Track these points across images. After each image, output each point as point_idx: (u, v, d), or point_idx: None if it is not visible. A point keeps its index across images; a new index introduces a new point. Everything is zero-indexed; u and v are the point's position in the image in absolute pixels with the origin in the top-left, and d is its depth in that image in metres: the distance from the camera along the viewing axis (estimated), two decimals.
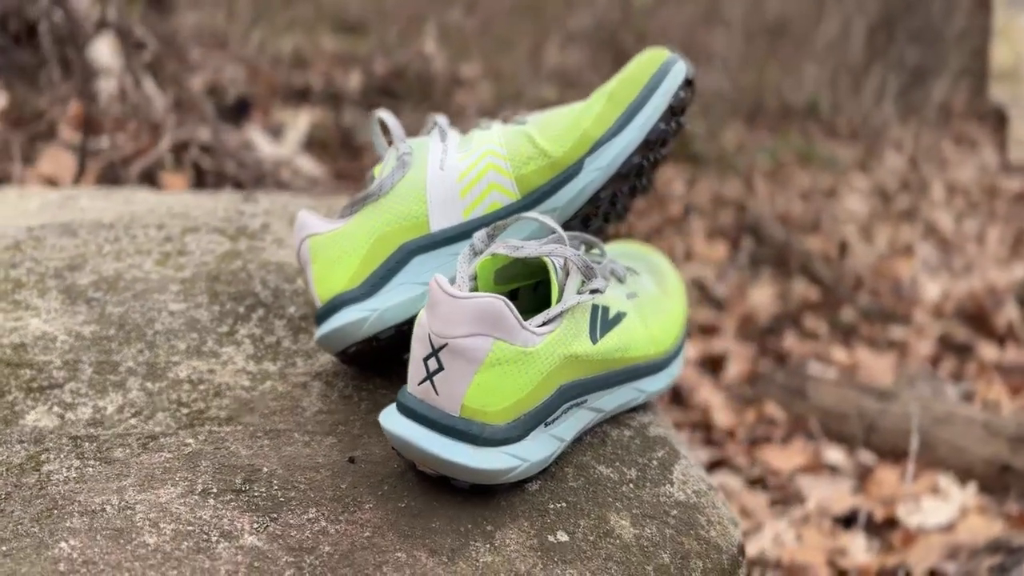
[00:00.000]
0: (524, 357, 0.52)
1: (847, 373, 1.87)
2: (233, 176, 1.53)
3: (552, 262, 0.55)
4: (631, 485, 0.57)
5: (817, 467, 1.51)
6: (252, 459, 0.55)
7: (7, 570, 0.45)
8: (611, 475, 0.57)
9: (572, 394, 0.55)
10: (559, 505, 0.54)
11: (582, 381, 0.56)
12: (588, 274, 0.56)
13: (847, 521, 1.34)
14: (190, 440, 0.56)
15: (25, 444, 0.55)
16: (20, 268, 0.72)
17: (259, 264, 0.75)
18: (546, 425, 0.54)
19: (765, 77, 3.60)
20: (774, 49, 3.74)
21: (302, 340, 0.68)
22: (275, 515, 0.50)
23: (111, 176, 1.61)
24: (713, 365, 1.89)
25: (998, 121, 4.09)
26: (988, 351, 1.99)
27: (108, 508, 0.50)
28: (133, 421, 0.58)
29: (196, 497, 0.51)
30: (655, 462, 0.59)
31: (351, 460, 0.56)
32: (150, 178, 1.68)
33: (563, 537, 0.52)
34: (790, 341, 2.03)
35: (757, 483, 1.48)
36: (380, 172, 0.63)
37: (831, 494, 1.41)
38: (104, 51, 2.08)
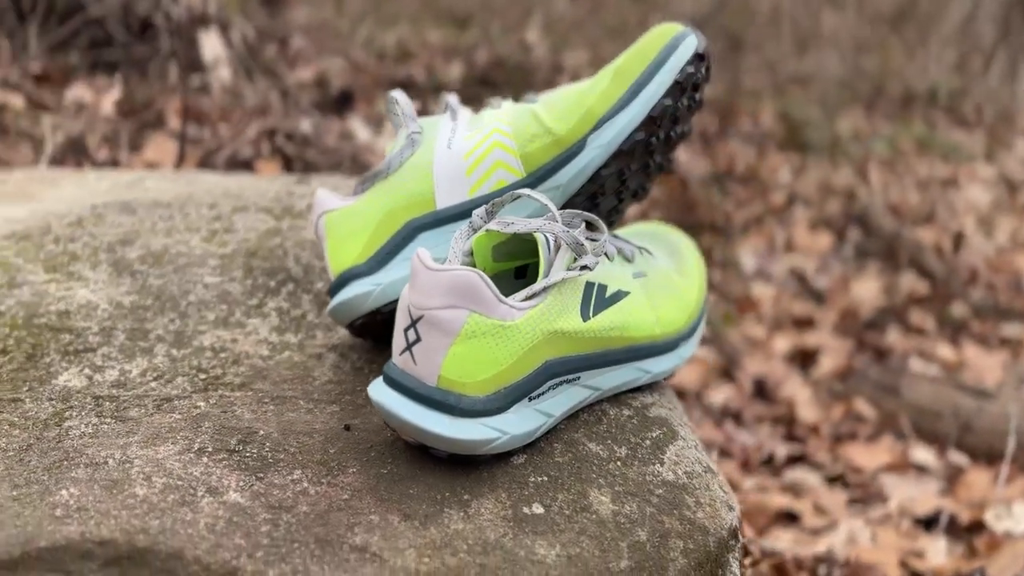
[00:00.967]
0: (502, 330, 0.52)
1: (950, 371, 1.78)
2: (314, 163, 1.59)
3: (543, 238, 0.56)
4: (618, 463, 0.56)
5: (903, 466, 1.44)
6: (252, 422, 0.57)
7: (13, 512, 0.49)
8: (600, 452, 0.57)
9: (560, 370, 0.56)
10: (540, 479, 0.54)
11: (571, 358, 0.56)
12: (579, 251, 0.56)
13: (928, 523, 1.28)
14: (201, 403, 0.60)
15: (53, 401, 0.59)
16: (78, 242, 0.77)
17: (296, 242, 0.78)
18: (530, 400, 0.55)
19: (888, 62, 3.44)
20: (898, 32, 3.57)
21: (325, 314, 0.70)
22: (261, 475, 0.53)
23: (209, 163, 1.70)
24: (804, 359, 1.83)
25: None
26: None
27: (111, 461, 0.53)
28: (153, 384, 0.61)
29: (192, 455, 0.54)
30: (648, 442, 0.59)
31: (347, 428, 0.58)
32: (248, 166, 1.76)
33: (538, 509, 0.52)
34: (893, 337, 1.94)
35: (837, 480, 1.43)
36: (390, 150, 0.64)
37: (915, 494, 1.35)
38: (214, 44, 2.18)
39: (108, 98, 1.94)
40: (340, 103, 2.53)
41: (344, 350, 0.66)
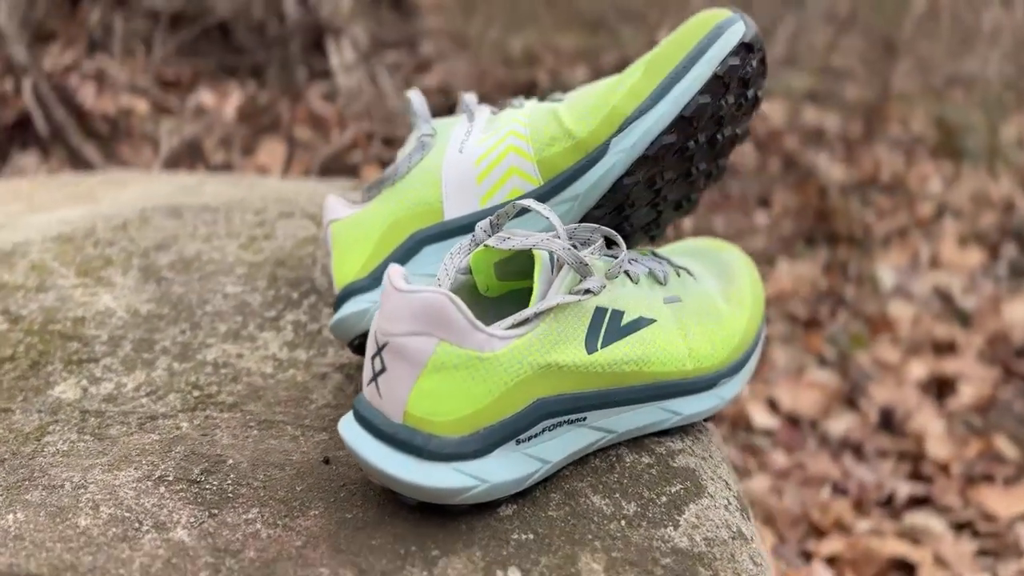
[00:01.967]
0: (478, 363, 0.45)
1: None
2: None
3: (543, 256, 0.48)
4: (622, 522, 0.48)
5: None
6: (226, 449, 0.53)
7: None
8: (604, 507, 0.49)
9: (557, 410, 0.48)
10: (525, 536, 0.47)
11: (573, 396, 0.48)
12: (583, 272, 0.48)
13: None
14: (184, 423, 0.56)
15: (41, 414, 0.57)
16: (116, 247, 0.76)
17: (328, 251, 0.74)
18: (518, 443, 0.47)
19: None
20: None
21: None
22: (216, 511, 0.48)
23: (318, 168, 1.70)
24: (940, 388, 1.65)
25: None
26: None
27: (67, 485, 0.50)
28: (144, 400, 0.58)
29: (150, 483, 0.50)
30: (664, 498, 0.50)
31: (326, 460, 0.52)
32: (354, 171, 1.75)
33: (514, 574, 0.45)
34: None
35: (965, 528, 1.27)
36: (400, 154, 0.59)
37: None
38: (341, 50, 2.20)
39: (230, 103, 1.98)
40: (453, 110, 2.50)
41: (351, 371, 0.61)
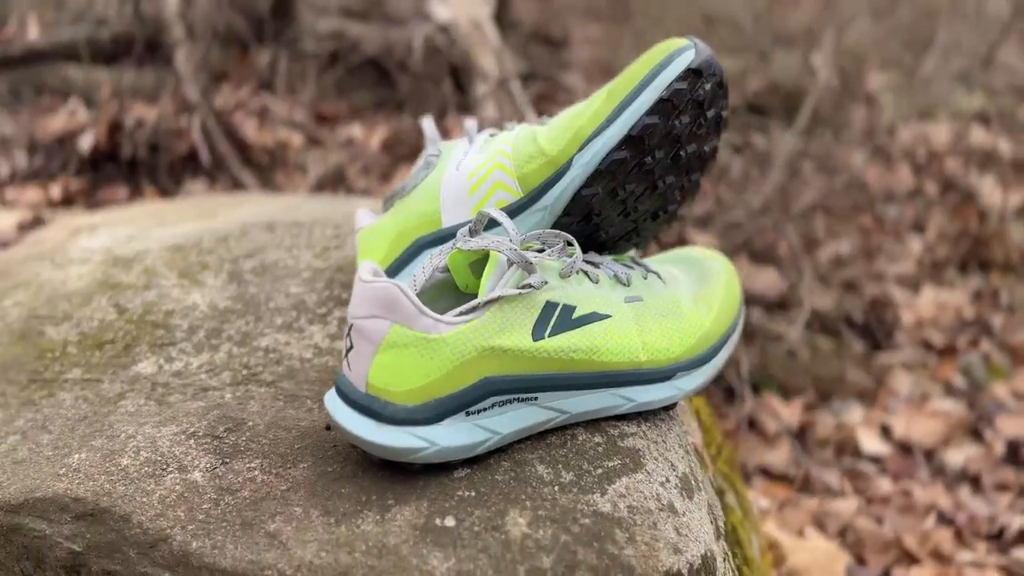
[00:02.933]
0: (426, 343, 0.54)
1: None
2: None
3: (499, 256, 0.56)
4: (556, 488, 0.55)
5: None
6: (251, 415, 0.64)
7: (36, 466, 0.59)
8: (544, 475, 0.56)
9: (505, 388, 0.56)
10: (468, 493, 0.55)
11: (519, 377, 0.56)
12: (529, 269, 0.56)
13: None
14: (228, 395, 0.67)
15: (123, 384, 0.70)
16: (214, 255, 0.90)
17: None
18: (468, 414, 0.55)
19: None
20: None
21: None
22: (227, 460, 0.59)
23: None
24: None
25: None
26: None
27: (123, 435, 0.62)
28: (203, 376, 0.70)
29: (183, 436, 0.61)
30: (600, 470, 0.56)
31: (328, 427, 0.62)
32: None
33: (450, 522, 0.53)
34: None
35: None
36: (412, 170, 0.68)
37: None
38: (486, 82, 2.35)
39: (377, 135, 2.16)
40: None
41: None
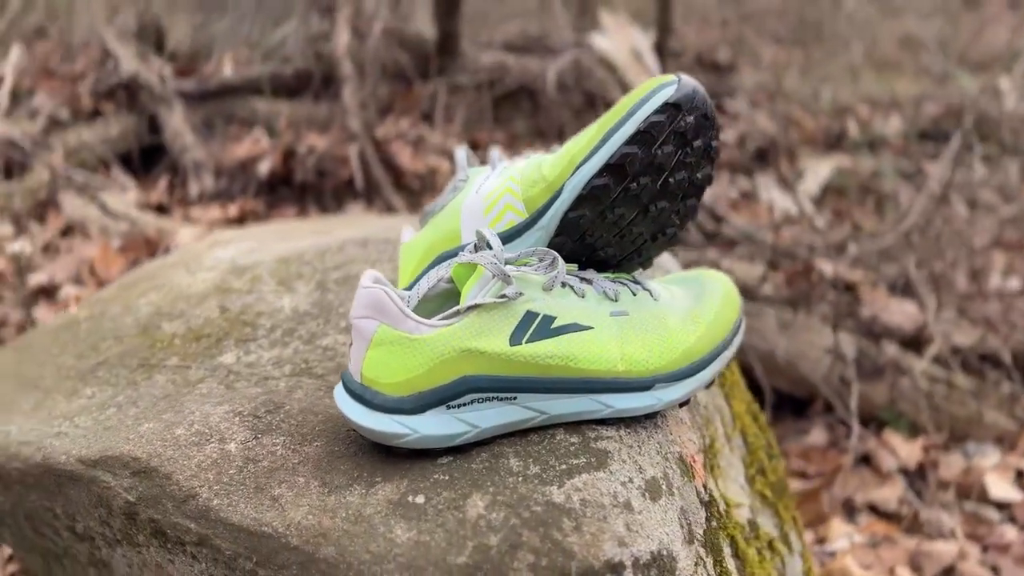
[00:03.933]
0: (409, 342, 0.61)
1: None
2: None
3: (484, 269, 0.63)
4: (520, 478, 0.61)
5: None
6: (292, 401, 0.74)
7: (114, 430, 0.72)
8: (514, 466, 0.62)
9: (482, 386, 0.62)
10: (443, 477, 0.62)
11: (496, 377, 0.62)
12: (507, 281, 0.62)
13: None
14: (282, 384, 0.78)
15: (205, 371, 0.83)
16: (310, 266, 1.02)
17: None
18: (448, 408, 0.62)
19: None
20: None
21: None
22: (260, 436, 0.69)
23: None
24: None
25: None
26: None
27: (186, 411, 0.74)
28: (269, 367, 0.82)
29: (231, 415, 0.72)
30: (564, 466, 0.62)
31: None
32: None
33: (420, 500, 0.60)
34: None
35: None
36: (443, 193, 0.76)
37: None
38: None
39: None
40: (754, 160, 2.58)
41: None
